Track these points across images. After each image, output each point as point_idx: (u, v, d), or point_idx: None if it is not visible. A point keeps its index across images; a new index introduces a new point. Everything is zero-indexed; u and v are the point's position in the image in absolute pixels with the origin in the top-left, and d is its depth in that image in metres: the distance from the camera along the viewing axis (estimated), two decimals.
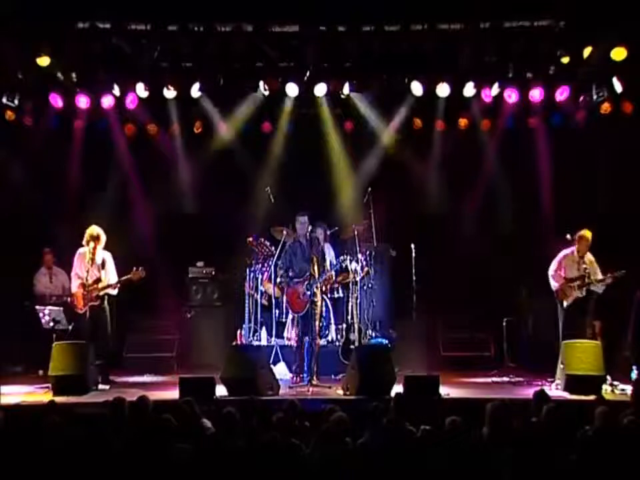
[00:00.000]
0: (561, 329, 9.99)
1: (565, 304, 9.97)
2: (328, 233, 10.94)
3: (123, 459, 5.54)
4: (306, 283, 9.85)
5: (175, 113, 11.75)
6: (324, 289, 10.34)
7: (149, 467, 5.45)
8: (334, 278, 10.67)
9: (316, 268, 9.88)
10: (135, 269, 10.01)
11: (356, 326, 10.61)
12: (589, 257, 9.96)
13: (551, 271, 10.10)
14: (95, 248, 9.96)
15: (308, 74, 10.70)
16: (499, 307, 11.48)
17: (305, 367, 9.89)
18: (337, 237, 11.31)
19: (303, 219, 10.03)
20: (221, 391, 8.93)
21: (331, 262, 10.35)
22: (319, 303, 10.00)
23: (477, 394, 9.30)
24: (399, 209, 11.86)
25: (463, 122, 11.81)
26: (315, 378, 9.71)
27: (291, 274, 10.02)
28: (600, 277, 9.85)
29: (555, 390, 9.31)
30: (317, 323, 9.97)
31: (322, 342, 10.45)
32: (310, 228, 9.97)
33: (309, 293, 9.83)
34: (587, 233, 9.93)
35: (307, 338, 9.93)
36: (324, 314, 10.58)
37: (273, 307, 11.07)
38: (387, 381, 8.96)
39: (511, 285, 11.26)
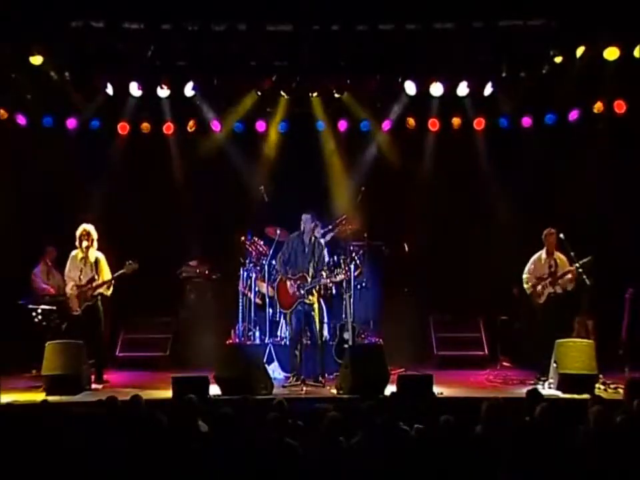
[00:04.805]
0: (539, 326, 10.08)
1: (540, 301, 10.05)
2: (321, 231, 10.93)
3: (117, 458, 5.54)
4: (298, 283, 9.86)
5: (169, 112, 11.75)
6: (322, 292, 10.31)
7: (144, 466, 5.45)
8: (329, 280, 10.57)
9: (311, 271, 9.86)
10: (127, 262, 10.00)
11: (349, 325, 10.60)
12: (559, 255, 10.07)
13: (524, 276, 10.23)
14: (87, 247, 9.95)
15: (302, 73, 10.69)
16: (493, 306, 11.50)
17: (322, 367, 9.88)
18: (330, 236, 11.30)
19: (307, 217, 10.05)
20: (214, 390, 8.93)
21: (327, 261, 10.35)
22: (315, 306, 9.95)
23: (470, 393, 9.35)
24: (392, 208, 11.87)
25: (456, 121, 11.83)
26: (320, 378, 9.74)
27: (288, 269, 10.01)
28: (568, 268, 9.94)
29: (548, 389, 9.34)
30: (316, 325, 9.93)
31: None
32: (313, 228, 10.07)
33: (301, 292, 9.81)
34: (552, 230, 10.07)
35: (303, 338, 9.96)
36: (324, 319, 10.54)
37: (267, 306, 11.03)
38: (381, 380, 8.98)
39: (505, 284, 11.26)
